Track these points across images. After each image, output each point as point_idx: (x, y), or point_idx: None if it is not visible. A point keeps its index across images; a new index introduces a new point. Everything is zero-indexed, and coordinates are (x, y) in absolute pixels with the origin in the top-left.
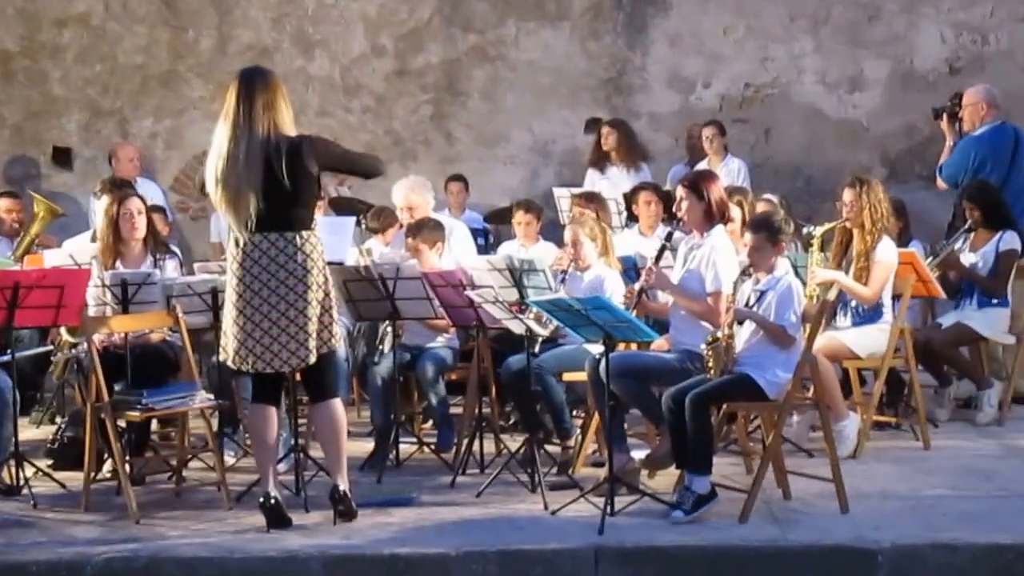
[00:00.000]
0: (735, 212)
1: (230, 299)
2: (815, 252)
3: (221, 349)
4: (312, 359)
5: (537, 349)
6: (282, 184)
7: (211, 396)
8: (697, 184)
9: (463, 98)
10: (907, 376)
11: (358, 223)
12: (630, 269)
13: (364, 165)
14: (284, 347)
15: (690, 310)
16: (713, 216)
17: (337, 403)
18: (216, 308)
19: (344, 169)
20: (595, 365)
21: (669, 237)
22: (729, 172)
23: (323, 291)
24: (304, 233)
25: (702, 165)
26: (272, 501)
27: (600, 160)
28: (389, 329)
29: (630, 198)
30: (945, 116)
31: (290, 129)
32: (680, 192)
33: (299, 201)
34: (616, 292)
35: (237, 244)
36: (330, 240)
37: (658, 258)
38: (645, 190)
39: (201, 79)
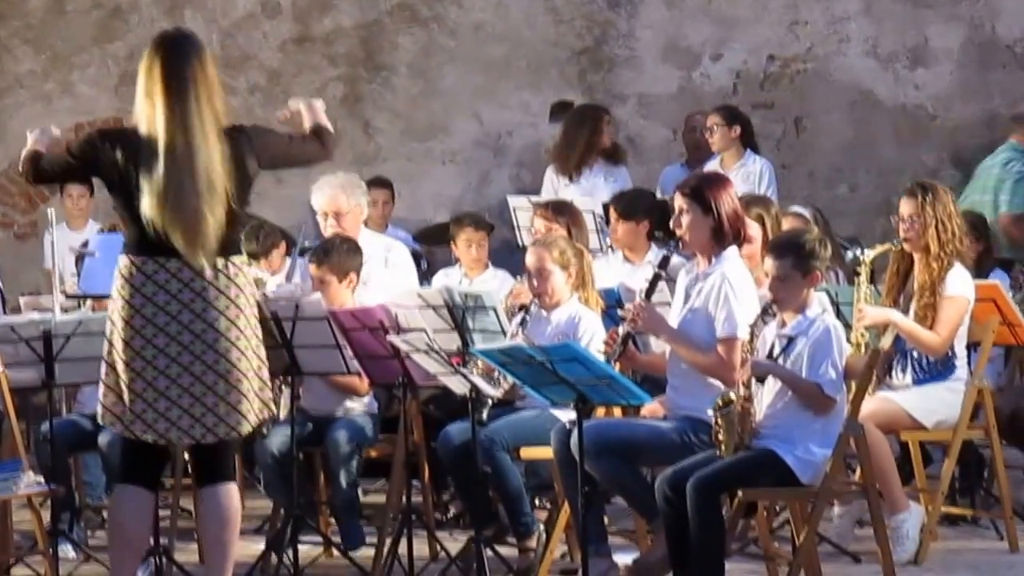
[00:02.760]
0: (754, 230)
1: (129, 343)
2: (863, 284)
3: (104, 411)
4: (246, 427)
5: (486, 416)
6: (225, 196)
7: (41, 480)
8: (702, 191)
9: (386, 74)
10: (987, 453)
11: None
12: (613, 307)
13: (313, 150)
14: (210, 410)
15: (694, 363)
16: (724, 236)
17: (233, 489)
18: (50, 359)
19: (291, 164)
20: (564, 438)
21: (664, 263)
22: (748, 175)
23: (256, 336)
24: (236, 260)
25: (712, 166)
26: None
27: (576, 161)
28: (285, 388)
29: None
30: None
31: (225, 119)
32: (679, 202)
33: (236, 217)
34: (594, 339)
35: (142, 271)
36: None
37: (650, 292)
38: (613, 203)
39: (30, 47)
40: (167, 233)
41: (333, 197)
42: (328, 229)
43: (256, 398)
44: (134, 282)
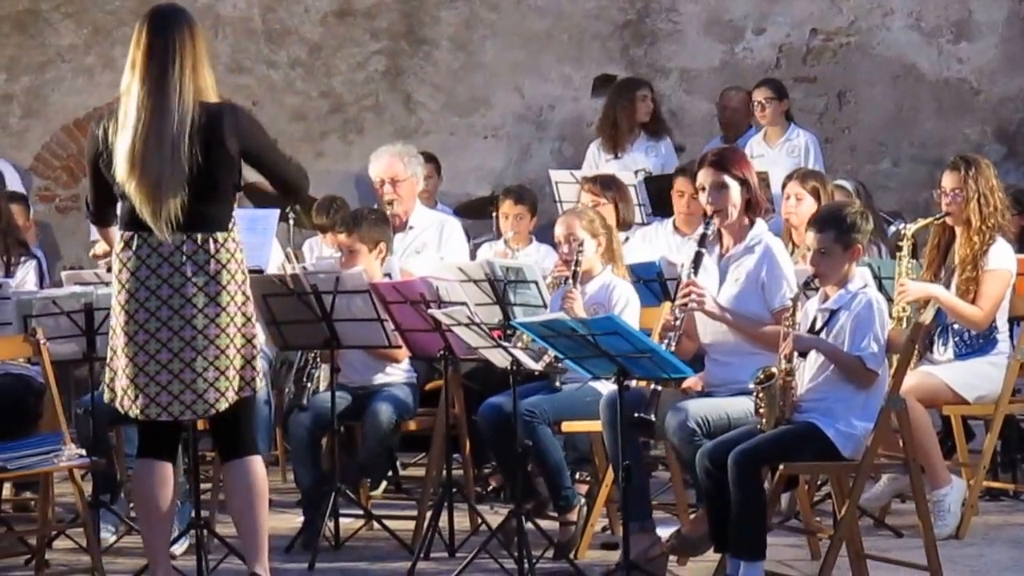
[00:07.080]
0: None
1: (117, 319)
2: (905, 258)
3: (105, 387)
4: (224, 404)
5: (559, 383)
6: (195, 168)
7: (83, 452)
8: (733, 164)
9: (427, 48)
10: None
11: (284, 218)
12: (653, 280)
13: (291, 173)
14: (188, 387)
15: (754, 339)
16: (755, 208)
17: (257, 462)
18: (91, 332)
19: (265, 166)
20: (611, 411)
21: (703, 240)
22: (793, 149)
23: (242, 314)
24: (219, 236)
25: (756, 140)
26: None
27: (618, 136)
28: (323, 363)
29: (664, 183)
30: None
31: (211, 95)
32: (717, 177)
33: (215, 193)
34: (629, 307)
35: (128, 245)
36: (246, 241)
37: (695, 269)
38: (682, 175)
39: (72, 21)
40: (135, 200)
41: (390, 164)
42: (385, 196)
43: (236, 376)
44: (121, 256)
